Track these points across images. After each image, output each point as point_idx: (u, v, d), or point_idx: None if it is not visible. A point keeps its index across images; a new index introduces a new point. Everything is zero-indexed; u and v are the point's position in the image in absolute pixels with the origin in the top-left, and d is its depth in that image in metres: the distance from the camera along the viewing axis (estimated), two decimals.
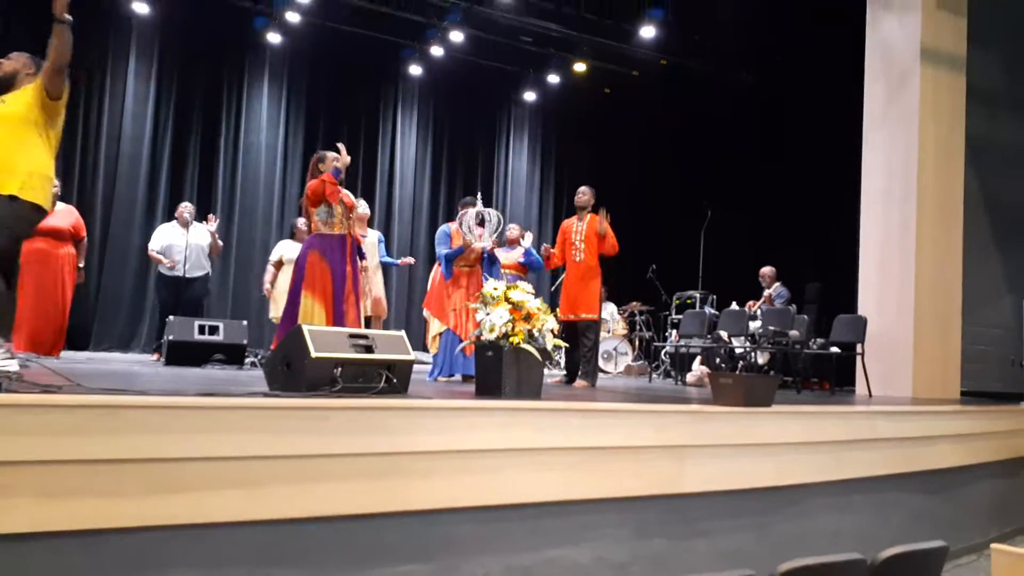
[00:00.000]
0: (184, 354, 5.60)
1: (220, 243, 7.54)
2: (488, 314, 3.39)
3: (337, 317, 4.54)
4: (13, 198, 3.15)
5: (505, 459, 2.90)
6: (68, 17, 3.18)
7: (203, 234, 7.34)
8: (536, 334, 3.44)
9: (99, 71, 9.30)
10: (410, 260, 7.05)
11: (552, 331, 3.52)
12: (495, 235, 5.76)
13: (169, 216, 8.38)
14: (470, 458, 2.82)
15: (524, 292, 3.48)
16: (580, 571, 3.01)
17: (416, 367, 5.83)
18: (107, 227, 9.21)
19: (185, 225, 7.28)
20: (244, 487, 2.42)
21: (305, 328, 2.96)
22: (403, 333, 3.37)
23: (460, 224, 5.69)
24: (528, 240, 6.36)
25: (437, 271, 5.90)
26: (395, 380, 3.13)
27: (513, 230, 6.95)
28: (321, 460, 2.54)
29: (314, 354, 2.89)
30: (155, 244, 7.23)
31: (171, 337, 5.63)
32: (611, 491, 3.14)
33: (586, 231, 5.86)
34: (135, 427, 2.28)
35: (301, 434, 2.51)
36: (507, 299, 3.42)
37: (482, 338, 3.42)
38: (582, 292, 5.78)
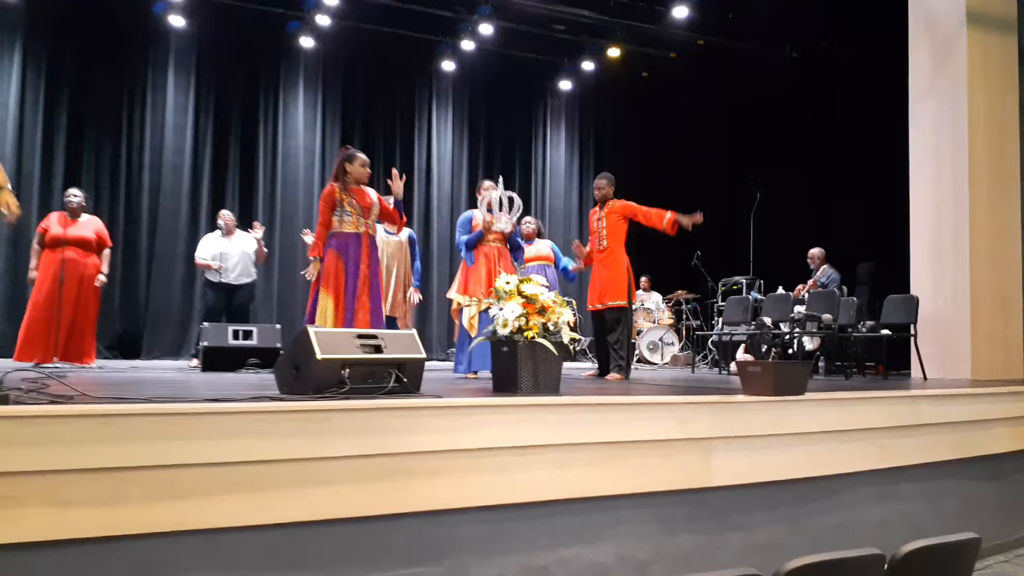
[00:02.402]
0: (220, 359, 5.68)
1: (265, 250, 7.60)
2: (501, 309, 3.31)
3: (348, 315, 4.56)
4: None
5: (517, 457, 2.82)
6: None
7: (248, 241, 7.44)
8: (551, 327, 3.35)
9: (140, 85, 9.54)
10: (415, 300, 6.53)
11: (569, 323, 3.43)
12: (515, 218, 5.66)
13: (212, 225, 8.54)
14: (480, 456, 2.75)
15: (538, 285, 3.40)
16: (600, 569, 2.92)
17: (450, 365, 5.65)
18: (153, 237, 9.45)
19: (227, 233, 7.40)
20: (248, 491, 2.41)
21: (311, 330, 2.94)
22: (414, 332, 3.32)
23: (480, 204, 5.60)
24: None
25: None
26: (405, 380, 3.09)
27: (529, 224, 6.80)
28: (324, 463, 2.51)
29: (320, 356, 2.87)
30: (203, 253, 7.35)
31: (206, 343, 5.72)
32: (631, 487, 3.04)
33: (607, 220, 5.75)
34: (135, 435, 2.29)
35: (303, 437, 2.48)
36: (520, 292, 3.34)
37: (496, 333, 3.34)
38: (607, 279, 5.70)
